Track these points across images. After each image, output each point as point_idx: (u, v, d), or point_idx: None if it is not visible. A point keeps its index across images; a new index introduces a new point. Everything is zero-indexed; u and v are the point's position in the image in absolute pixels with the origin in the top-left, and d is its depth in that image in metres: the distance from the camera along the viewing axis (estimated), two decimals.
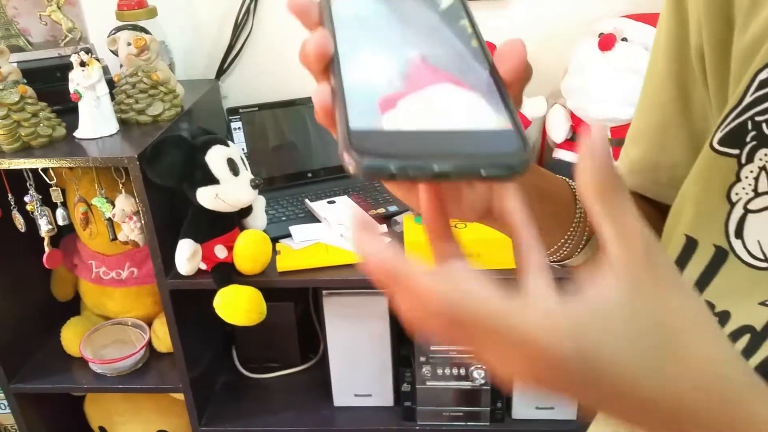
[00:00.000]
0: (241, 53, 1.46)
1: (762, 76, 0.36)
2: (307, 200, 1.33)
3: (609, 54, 1.23)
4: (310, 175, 1.44)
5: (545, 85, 1.41)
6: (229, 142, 1.16)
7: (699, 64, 0.43)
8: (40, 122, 1.08)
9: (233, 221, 1.18)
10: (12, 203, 1.17)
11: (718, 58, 0.41)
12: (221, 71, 1.47)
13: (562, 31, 1.38)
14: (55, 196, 1.15)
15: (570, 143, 1.35)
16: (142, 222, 1.10)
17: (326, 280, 1.16)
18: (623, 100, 1.22)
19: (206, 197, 1.10)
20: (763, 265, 0.36)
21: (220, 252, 1.14)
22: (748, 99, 0.37)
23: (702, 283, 0.38)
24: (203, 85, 1.40)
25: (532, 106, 1.36)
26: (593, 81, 1.25)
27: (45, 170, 1.13)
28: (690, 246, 0.39)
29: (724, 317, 0.37)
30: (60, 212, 1.16)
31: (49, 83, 1.16)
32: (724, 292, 0.37)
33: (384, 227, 1.25)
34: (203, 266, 1.14)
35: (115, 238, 1.17)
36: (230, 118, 1.38)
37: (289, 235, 1.23)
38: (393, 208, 1.31)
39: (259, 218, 1.22)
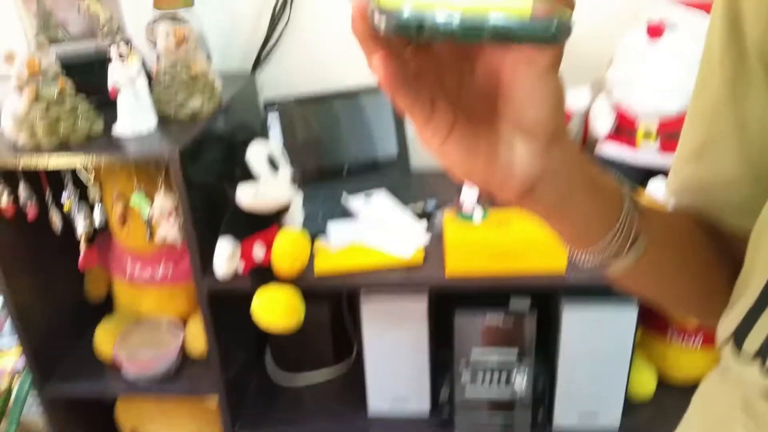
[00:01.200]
0: (277, 45, 1.43)
1: None
2: (344, 195, 1.30)
3: (657, 43, 1.18)
4: (346, 169, 1.41)
5: (589, 76, 1.36)
6: (268, 138, 1.13)
7: (765, 69, 0.41)
8: (78, 117, 1.06)
9: (271, 218, 1.15)
10: (49, 201, 1.15)
11: None
12: (257, 64, 1.44)
13: (608, 19, 1.33)
14: (93, 193, 1.13)
15: (615, 137, 1.30)
16: (181, 220, 1.08)
17: (365, 282, 1.13)
18: (672, 91, 1.17)
19: (247, 195, 1.07)
20: None
21: (259, 250, 1.11)
22: None
23: None
24: (240, 79, 1.37)
25: (574, 97, 1.31)
26: (640, 71, 1.20)
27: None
28: None
29: None
30: (97, 210, 1.14)
31: (87, 76, 1.14)
32: None
33: (423, 223, 1.22)
34: (240, 266, 1.12)
35: (152, 237, 1.15)
36: (267, 112, 1.35)
37: (325, 232, 1.20)
38: (432, 204, 1.28)
39: (296, 215, 1.20)
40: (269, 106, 1.36)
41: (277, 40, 1.43)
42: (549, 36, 0.28)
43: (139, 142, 1.06)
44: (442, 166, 0.37)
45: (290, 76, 1.46)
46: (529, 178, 0.36)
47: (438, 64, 0.34)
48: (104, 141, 1.07)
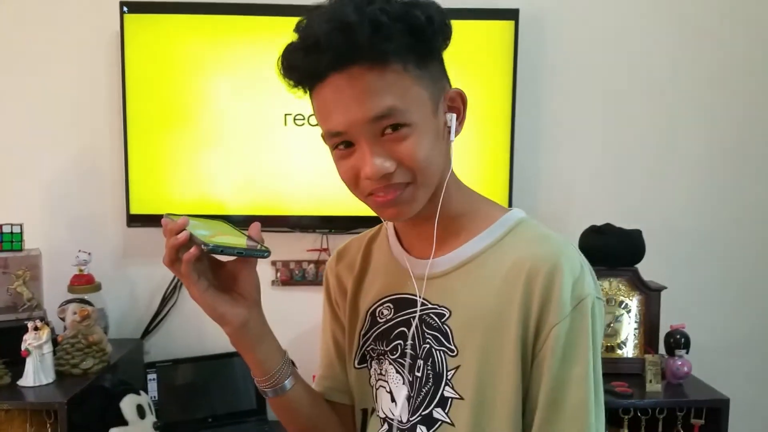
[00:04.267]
0: (165, 319, 1.84)
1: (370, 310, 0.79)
2: None
3: None
4: (210, 420, 1.73)
5: None
6: (141, 392, 1.48)
7: (334, 312, 0.86)
8: None
9: None
10: None
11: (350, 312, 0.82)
12: (146, 332, 1.83)
13: None
14: None
15: None
16: None
17: None
18: None
19: None
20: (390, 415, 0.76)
21: None
22: (363, 331, 0.79)
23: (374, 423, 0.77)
24: (130, 343, 1.75)
25: None
26: None
27: None
28: (365, 413, 0.80)
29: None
30: None
31: (5, 340, 1.49)
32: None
33: None
34: None
35: None
36: (147, 370, 1.71)
37: None
38: None
39: None
40: (149, 366, 1.72)
41: (165, 315, 1.84)
42: (262, 255, 0.68)
43: (37, 393, 1.38)
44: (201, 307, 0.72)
45: (173, 342, 1.84)
46: (242, 320, 0.70)
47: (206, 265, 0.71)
48: (9, 391, 1.39)
